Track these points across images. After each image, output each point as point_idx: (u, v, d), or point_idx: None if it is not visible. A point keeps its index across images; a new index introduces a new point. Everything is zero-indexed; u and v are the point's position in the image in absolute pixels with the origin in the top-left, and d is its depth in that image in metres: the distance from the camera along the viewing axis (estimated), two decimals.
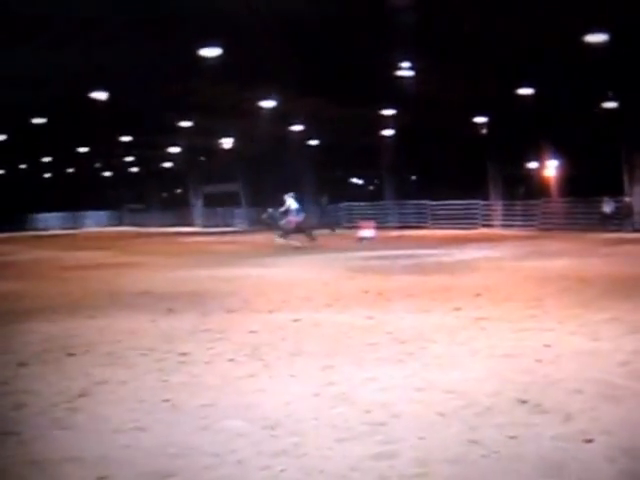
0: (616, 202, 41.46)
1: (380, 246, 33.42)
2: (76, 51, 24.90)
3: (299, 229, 35.16)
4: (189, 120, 43.88)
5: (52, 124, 40.12)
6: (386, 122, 45.51)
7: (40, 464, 6.74)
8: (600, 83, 32.70)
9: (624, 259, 24.32)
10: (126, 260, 29.94)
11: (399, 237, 41.42)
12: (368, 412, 7.90)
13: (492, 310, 14.36)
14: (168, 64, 26.91)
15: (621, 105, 37.91)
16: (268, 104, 37.05)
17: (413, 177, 64.56)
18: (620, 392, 8.38)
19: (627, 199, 41.23)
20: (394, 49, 26.46)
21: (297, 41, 25.00)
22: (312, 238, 34.73)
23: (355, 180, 72.94)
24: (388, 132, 49.52)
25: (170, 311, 15.43)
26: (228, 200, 67.58)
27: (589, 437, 6.94)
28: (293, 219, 34.92)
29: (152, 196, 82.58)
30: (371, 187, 69.60)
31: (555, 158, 48.02)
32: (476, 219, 49.22)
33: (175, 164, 70.84)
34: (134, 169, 77.59)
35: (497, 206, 49.34)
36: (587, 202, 42.55)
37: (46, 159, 65.52)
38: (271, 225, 37.55)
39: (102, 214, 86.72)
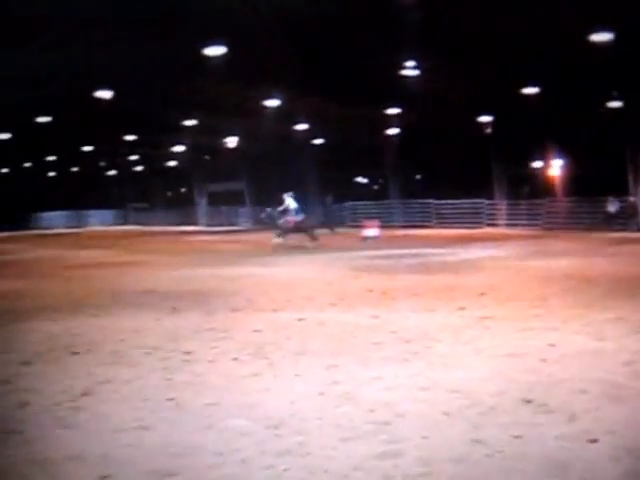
0: (621, 202, 41.40)
1: (384, 245, 33.40)
2: (80, 50, 24.92)
3: (297, 229, 35.05)
4: (193, 119, 43.90)
5: (56, 123, 40.16)
6: (391, 121, 45.54)
7: (43, 463, 6.74)
8: (604, 82, 32.67)
9: (629, 259, 24.28)
10: (130, 259, 29.94)
11: (404, 236, 41.36)
12: (372, 411, 7.89)
13: (497, 309, 14.35)
14: (172, 63, 26.92)
15: (625, 104, 37.87)
16: (272, 103, 37.07)
17: (418, 176, 64.52)
18: (625, 392, 8.36)
19: (632, 199, 41.18)
20: (399, 48, 26.46)
21: (302, 40, 25.00)
22: (314, 238, 34.65)
23: (360, 179, 72.89)
24: (393, 131, 49.52)
25: (174, 310, 15.43)
26: (232, 199, 67.50)
27: (594, 437, 6.92)
28: (291, 219, 34.83)
29: (156, 195, 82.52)
30: (376, 186, 69.50)
31: (560, 157, 47.95)
32: (481, 218, 49.14)
33: (179, 163, 70.87)
34: (138, 168, 77.66)
35: (502, 205, 49.27)
36: (592, 202, 42.46)
37: (50, 158, 65.58)
38: (269, 224, 37.46)
39: (106, 213, 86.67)
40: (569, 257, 25.09)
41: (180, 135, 50.76)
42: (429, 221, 51.88)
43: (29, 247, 42.25)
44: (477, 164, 48.58)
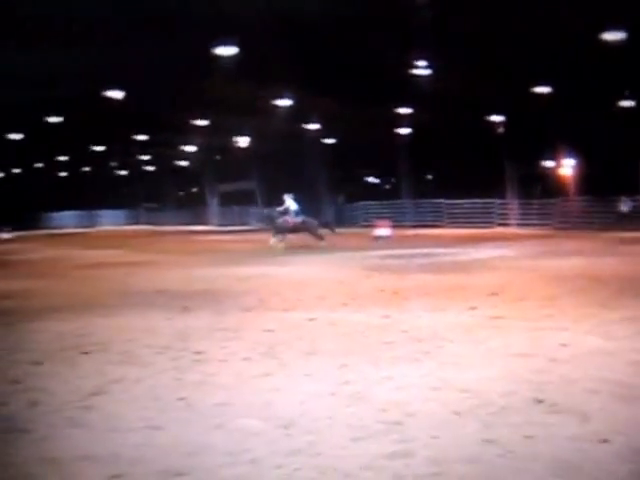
0: (633, 201, 41.33)
1: (396, 245, 33.35)
2: (92, 50, 24.98)
3: (296, 229, 35.05)
4: (204, 119, 43.96)
5: (68, 123, 40.27)
6: (402, 121, 45.55)
7: (53, 462, 6.73)
8: (617, 81, 32.60)
9: None
10: (140, 259, 29.98)
11: (415, 236, 41.30)
12: (383, 411, 7.88)
13: (508, 309, 14.32)
14: (184, 63, 26.95)
15: (638, 103, 37.77)
16: (283, 103, 37.10)
17: (429, 176, 64.48)
18: (636, 392, 8.33)
19: None
20: (410, 48, 26.46)
21: (313, 40, 25.00)
22: (319, 237, 34.64)
23: (371, 179, 72.90)
24: (404, 131, 49.51)
25: (185, 309, 15.43)
26: (244, 199, 67.54)
27: (605, 437, 6.89)
28: (291, 220, 34.82)
29: (168, 195, 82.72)
30: (387, 186, 69.53)
31: (572, 157, 47.82)
32: (492, 218, 49.10)
33: (191, 163, 70.99)
34: (150, 168, 77.80)
35: (513, 205, 49.22)
36: (604, 201, 42.38)
37: (62, 158, 65.84)
38: (268, 224, 37.40)
39: (118, 213, 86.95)
40: (581, 257, 25.01)
41: (191, 135, 50.88)
42: (440, 221, 51.87)
43: (39, 247, 42.40)
44: (489, 164, 48.50)
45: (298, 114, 40.49)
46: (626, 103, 38.10)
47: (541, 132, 41.67)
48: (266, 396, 8.60)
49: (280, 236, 34.67)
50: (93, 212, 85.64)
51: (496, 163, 48.78)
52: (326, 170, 57.81)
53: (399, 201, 56.22)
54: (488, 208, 49.48)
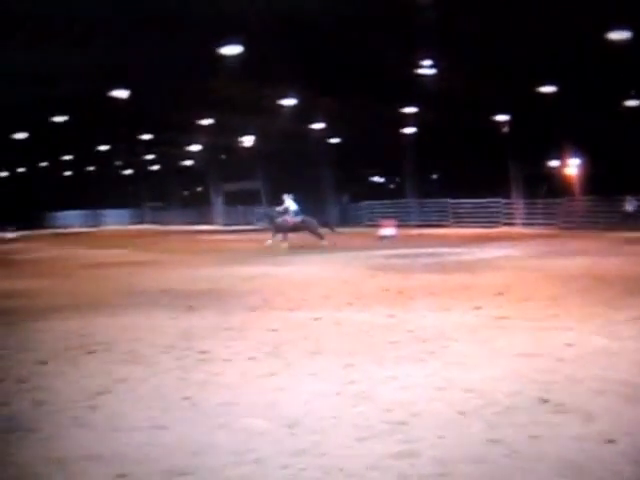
0: (638, 201, 41.24)
1: (401, 244, 33.35)
2: (97, 50, 24.98)
3: (295, 228, 35.08)
4: (209, 118, 43.97)
5: (72, 122, 40.28)
6: (407, 121, 45.51)
7: (59, 461, 6.74)
8: (622, 81, 32.55)
9: None
10: (145, 258, 30.01)
11: (420, 235, 41.29)
12: (388, 411, 7.87)
13: (513, 309, 14.31)
14: (188, 62, 26.95)
15: None
16: (288, 102, 37.10)
17: (434, 176, 64.44)
18: None
19: None
20: (415, 48, 26.45)
21: (318, 39, 24.99)
22: (320, 236, 34.67)
23: (376, 179, 72.87)
24: (409, 130, 49.48)
25: (190, 309, 15.43)
26: (249, 198, 67.50)
27: (610, 438, 6.87)
28: (290, 219, 34.84)
29: (173, 194, 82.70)
30: (392, 185, 69.46)
31: (577, 157, 47.74)
32: (497, 218, 49.04)
33: (195, 162, 71.00)
34: (155, 167, 77.83)
35: (518, 204, 49.15)
36: (609, 201, 42.33)
37: (66, 157, 65.83)
38: (267, 224, 37.40)
39: (123, 212, 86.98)
40: (586, 256, 24.98)
41: (196, 134, 50.89)
42: (446, 220, 51.82)
43: (45, 246, 42.45)
44: (494, 163, 48.45)
45: (303, 114, 40.49)
46: (631, 103, 38.04)
47: (546, 132, 41.60)
48: (271, 396, 8.60)
49: (280, 236, 34.71)
50: (98, 211, 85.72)
51: (501, 163, 48.72)
52: (331, 170, 57.85)
53: (404, 200, 56.15)
54: (493, 208, 49.42)
